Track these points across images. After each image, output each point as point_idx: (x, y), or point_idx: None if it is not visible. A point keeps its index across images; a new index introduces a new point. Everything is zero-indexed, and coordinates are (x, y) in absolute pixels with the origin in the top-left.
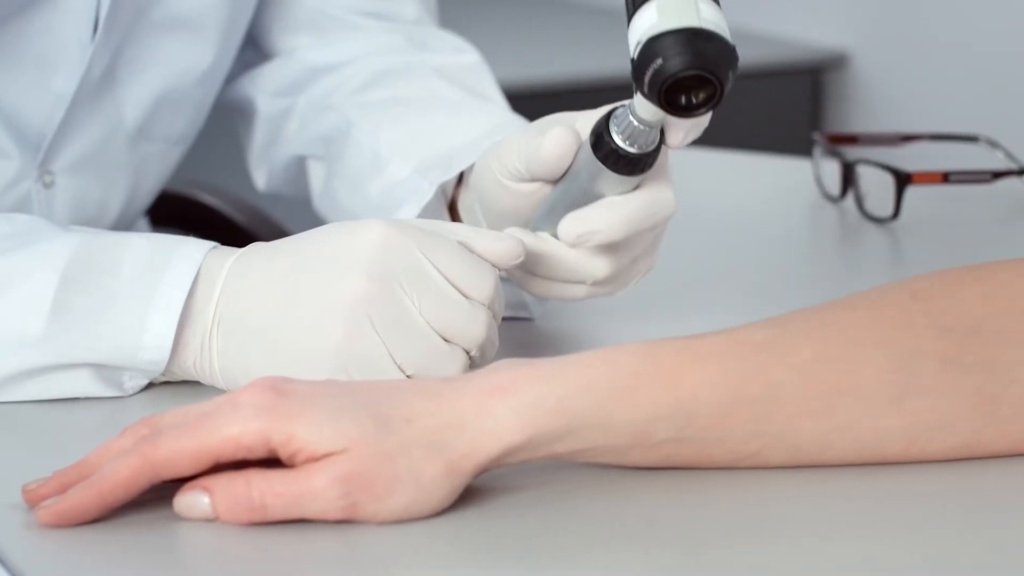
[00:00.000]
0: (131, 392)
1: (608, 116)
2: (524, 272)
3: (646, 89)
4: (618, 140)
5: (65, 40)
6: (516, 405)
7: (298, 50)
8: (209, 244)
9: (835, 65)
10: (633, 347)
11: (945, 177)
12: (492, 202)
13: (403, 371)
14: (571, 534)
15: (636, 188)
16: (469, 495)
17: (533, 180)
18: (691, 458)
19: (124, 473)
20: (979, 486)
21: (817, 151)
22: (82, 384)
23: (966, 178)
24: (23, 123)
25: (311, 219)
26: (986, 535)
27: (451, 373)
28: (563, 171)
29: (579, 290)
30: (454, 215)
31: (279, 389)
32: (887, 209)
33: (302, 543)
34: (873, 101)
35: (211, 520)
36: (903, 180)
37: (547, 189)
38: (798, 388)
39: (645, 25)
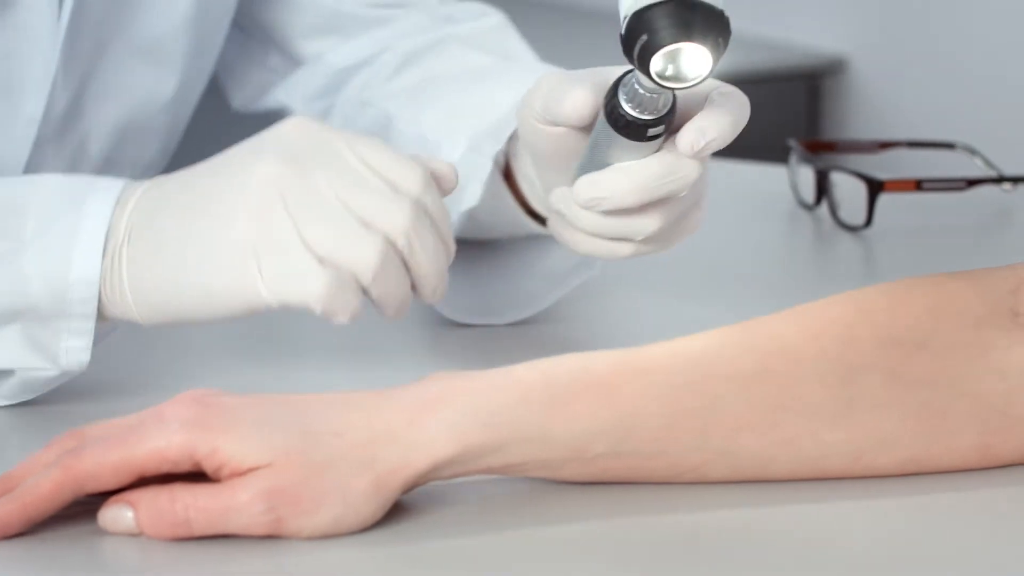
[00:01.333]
0: (66, 368)
1: (618, 81)
2: (568, 226)
3: (636, 64)
4: (625, 106)
5: (32, 70)
6: (447, 418)
7: (324, 54)
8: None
9: (834, 70)
10: (570, 359)
11: (918, 185)
12: (533, 144)
13: (314, 251)
14: (502, 550)
15: (657, 152)
16: (399, 510)
17: (557, 126)
18: (629, 472)
19: (47, 487)
20: (925, 500)
21: (793, 158)
22: (12, 350)
23: (940, 186)
24: None
25: None
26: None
27: (367, 257)
28: (586, 123)
29: (624, 248)
30: (510, 179)
31: (204, 402)
32: (862, 217)
33: (227, 558)
34: (872, 107)
35: (135, 535)
36: (875, 187)
37: (577, 133)
38: (739, 402)
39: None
